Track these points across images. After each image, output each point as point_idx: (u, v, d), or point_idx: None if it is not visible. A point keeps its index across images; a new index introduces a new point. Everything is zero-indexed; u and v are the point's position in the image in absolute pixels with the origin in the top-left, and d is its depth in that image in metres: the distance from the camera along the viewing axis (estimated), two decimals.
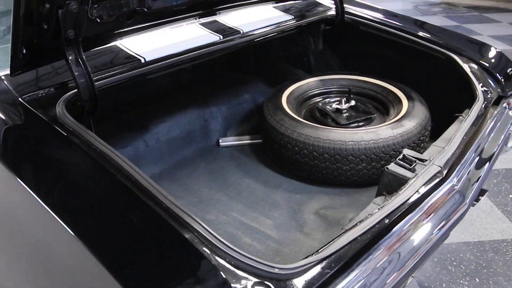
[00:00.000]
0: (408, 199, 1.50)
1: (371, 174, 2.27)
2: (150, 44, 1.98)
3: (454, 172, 1.66)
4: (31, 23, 1.35)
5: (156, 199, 1.26)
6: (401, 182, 1.70)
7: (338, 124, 2.51)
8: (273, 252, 1.94)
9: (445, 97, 2.60)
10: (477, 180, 1.79)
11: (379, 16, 2.78)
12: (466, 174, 1.72)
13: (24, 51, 1.43)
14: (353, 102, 2.69)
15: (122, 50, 1.87)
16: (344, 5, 2.80)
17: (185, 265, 1.11)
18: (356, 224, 1.35)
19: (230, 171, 2.55)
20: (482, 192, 2.19)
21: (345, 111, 2.64)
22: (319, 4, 2.85)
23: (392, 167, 1.75)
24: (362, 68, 3.02)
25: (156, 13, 1.84)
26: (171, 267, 1.08)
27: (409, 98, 2.57)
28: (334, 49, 3.07)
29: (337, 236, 1.30)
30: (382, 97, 2.75)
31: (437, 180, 1.63)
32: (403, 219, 1.41)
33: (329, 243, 1.27)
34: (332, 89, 2.87)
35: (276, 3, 2.60)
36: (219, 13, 2.30)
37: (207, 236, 1.15)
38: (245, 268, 1.13)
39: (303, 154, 2.29)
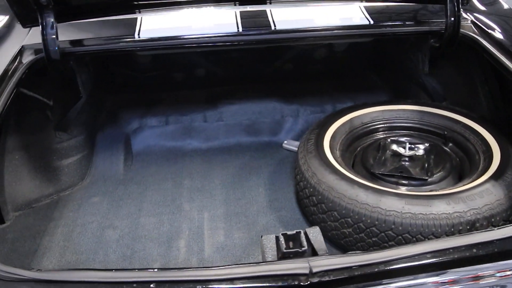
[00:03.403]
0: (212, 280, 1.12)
1: (360, 246, 1.68)
2: (164, 22, 1.97)
3: None
4: None
5: None
6: (264, 259, 1.25)
7: (373, 173, 1.91)
8: (173, 266, 1.77)
9: None
10: None
11: None
12: None
13: (22, 9, 1.72)
14: (421, 151, 1.96)
15: (132, 23, 1.95)
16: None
17: None
18: None
19: (259, 175, 2.34)
20: None
21: (407, 159, 1.96)
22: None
23: (266, 239, 1.28)
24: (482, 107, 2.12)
25: None
26: None
27: (500, 173, 1.68)
28: (456, 74, 2.22)
29: None
30: (477, 157, 1.89)
31: (285, 284, 1.12)
32: None
33: None
34: (421, 127, 2.14)
35: (366, 1, 2.05)
36: (269, 2, 2.02)
37: None
38: None
39: (305, 193, 1.88)
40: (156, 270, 1.17)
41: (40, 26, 1.75)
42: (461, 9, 2.07)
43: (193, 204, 2.15)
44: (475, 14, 2.07)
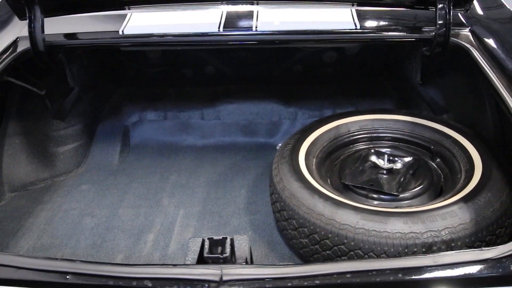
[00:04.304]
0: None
1: (316, 258, 1.63)
2: (151, 20, 2.00)
3: None
4: None
5: None
6: (184, 262, 1.25)
7: (345, 183, 1.84)
8: (136, 259, 1.82)
9: None
10: None
11: None
12: None
13: (16, 2, 1.83)
14: (399, 165, 1.86)
15: (121, 19, 2.00)
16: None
17: None
18: None
19: (246, 176, 2.33)
20: None
21: (384, 172, 1.87)
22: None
23: (193, 241, 1.27)
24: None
25: None
26: None
27: (473, 195, 1.56)
28: (460, 85, 2.07)
29: None
30: (459, 176, 1.78)
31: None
32: None
33: None
34: (411, 139, 2.03)
35: (357, 5, 1.96)
36: (256, 3, 1.99)
37: None
38: None
39: (272, 198, 1.84)
40: (73, 261, 1.21)
41: (28, 19, 1.85)
42: (463, 16, 1.96)
43: (173, 199, 2.18)
44: (475, 21, 1.93)
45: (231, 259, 1.22)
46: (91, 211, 2.12)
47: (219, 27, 1.93)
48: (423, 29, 1.90)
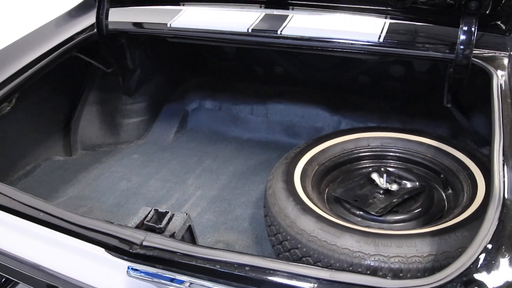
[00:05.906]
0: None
1: (280, 257, 1.66)
2: (197, 16, 2.19)
3: None
4: None
5: None
6: (125, 224, 1.43)
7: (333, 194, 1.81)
8: None
9: None
10: None
11: None
12: None
13: None
14: (395, 187, 1.75)
15: (173, 13, 2.23)
16: None
17: None
18: None
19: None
20: None
21: (380, 192, 1.79)
22: None
23: (144, 209, 1.43)
24: None
25: None
26: None
27: (448, 231, 1.44)
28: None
29: None
30: (455, 210, 1.62)
31: (118, 245, 1.29)
32: None
33: None
34: (429, 164, 1.90)
35: (391, 19, 1.85)
36: (292, 8, 2.03)
37: None
38: None
39: (264, 211, 1.92)
40: (48, 203, 1.48)
41: (96, 8, 2.22)
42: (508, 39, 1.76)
43: (197, 181, 2.39)
44: None
45: (162, 231, 1.37)
46: (129, 177, 2.45)
47: (248, 28, 2.06)
48: (449, 49, 1.76)
